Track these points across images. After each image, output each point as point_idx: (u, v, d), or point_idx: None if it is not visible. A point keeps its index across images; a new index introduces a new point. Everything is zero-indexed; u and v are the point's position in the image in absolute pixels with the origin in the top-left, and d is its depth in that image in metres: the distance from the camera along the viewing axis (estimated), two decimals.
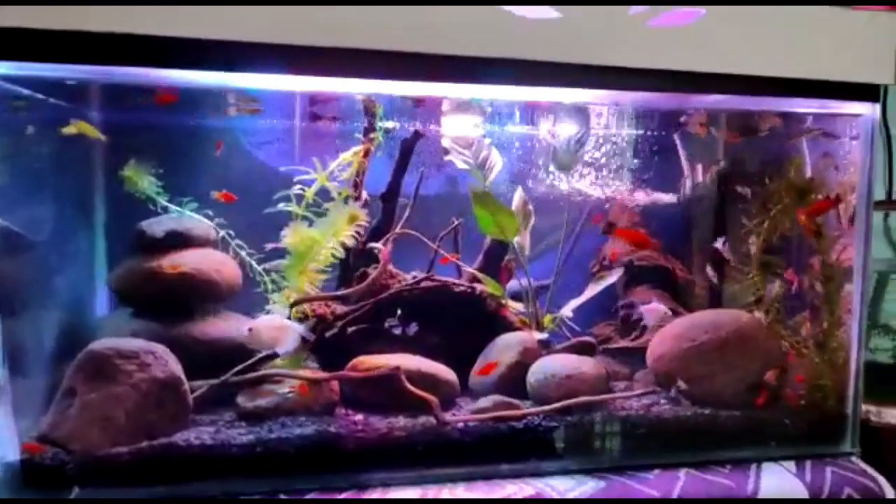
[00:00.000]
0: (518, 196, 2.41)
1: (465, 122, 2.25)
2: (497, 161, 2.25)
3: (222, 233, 2.13)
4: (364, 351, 2.04)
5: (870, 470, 1.95)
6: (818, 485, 1.88)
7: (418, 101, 2.19)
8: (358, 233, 2.05)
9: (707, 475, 1.87)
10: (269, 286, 2.12)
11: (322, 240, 2.01)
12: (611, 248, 2.49)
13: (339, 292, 2.10)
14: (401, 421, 1.86)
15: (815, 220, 2.01)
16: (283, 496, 1.67)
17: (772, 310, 2.09)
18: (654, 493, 1.78)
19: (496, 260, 2.36)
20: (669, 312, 2.07)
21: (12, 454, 1.61)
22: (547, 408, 1.89)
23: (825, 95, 1.94)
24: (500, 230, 2.13)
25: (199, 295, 2.07)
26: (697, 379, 2.01)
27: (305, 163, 2.14)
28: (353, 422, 1.86)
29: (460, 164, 2.24)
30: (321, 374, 1.91)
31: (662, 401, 2.05)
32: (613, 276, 2.28)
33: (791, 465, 1.95)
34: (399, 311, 2.23)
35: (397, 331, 2.22)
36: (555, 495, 1.73)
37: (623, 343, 2.36)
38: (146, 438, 1.70)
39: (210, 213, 2.12)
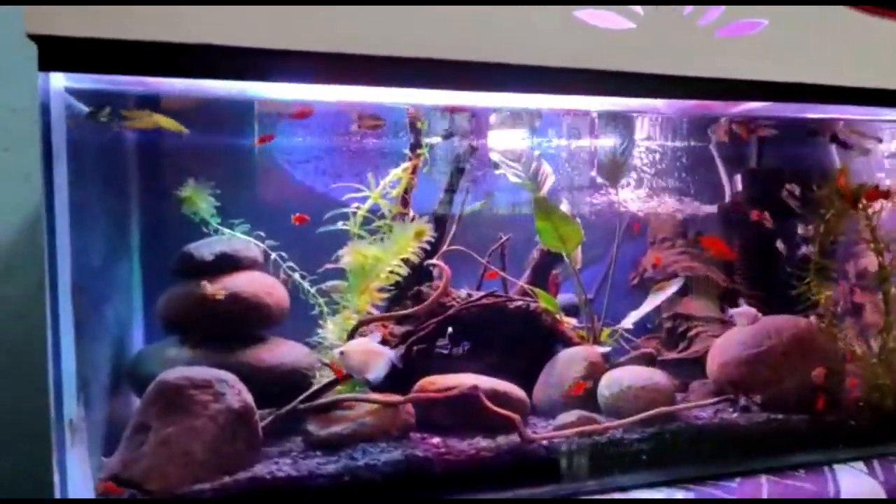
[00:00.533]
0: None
1: (514, 134, 2.21)
2: (549, 173, 2.22)
3: (273, 255, 2.03)
4: (426, 371, 1.97)
5: None
6: (892, 483, 1.91)
7: (462, 113, 2.16)
8: (423, 249, 1.98)
9: (787, 480, 1.87)
10: (325, 308, 2.02)
11: (385, 258, 1.94)
12: (651, 258, 2.48)
13: (403, 312, 2.03)
14: (482, 441, 1.80)
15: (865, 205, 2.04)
16: None
17: (828, 313, 2.12)
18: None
19: (544, 274, 2.33)
20: (760, 315, 2.07)
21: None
22: (632, 419, 1.86)
23: (883, 103, 1.99)
24: (561, 242, 2.10)
25: (251, 320, 1.98)
26: (764, 384, 2.02)
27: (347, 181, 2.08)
28: (432, 444, 1.79)
29: (512, 178, 2.19)
30: (396, 398, 1.82)
31: (730, 408, 2.05)
32: (673, 287, 2.27)
33: (860, 465, 1.97)
34: (450, 330, 2.17)
35: (448, 349, 2.17)
36: None
37: (674, 354, 2.35)
38: (223, 473, 1.60)
39: (262, 233, 2.02)
